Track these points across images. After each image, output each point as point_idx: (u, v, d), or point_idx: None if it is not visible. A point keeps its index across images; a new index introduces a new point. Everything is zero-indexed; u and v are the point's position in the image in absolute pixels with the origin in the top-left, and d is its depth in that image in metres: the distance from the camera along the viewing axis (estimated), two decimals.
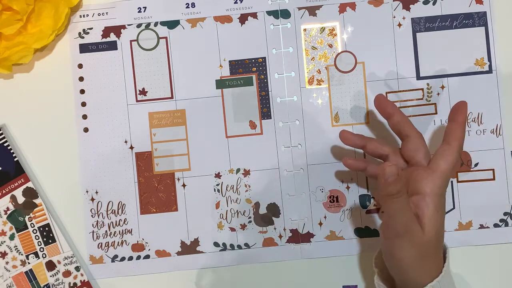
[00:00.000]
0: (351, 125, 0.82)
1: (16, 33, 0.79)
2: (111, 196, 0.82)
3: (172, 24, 0.83)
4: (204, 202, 0.82)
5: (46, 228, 0.81)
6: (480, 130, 0.82)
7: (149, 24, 0.83)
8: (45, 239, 0.80)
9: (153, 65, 0.83)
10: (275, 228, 0.82)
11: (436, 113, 0.82)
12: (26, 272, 0.80)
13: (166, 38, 0.83)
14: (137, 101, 0.82)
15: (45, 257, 0.80)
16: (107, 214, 0.81)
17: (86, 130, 0.82)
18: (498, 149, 0.82)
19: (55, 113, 0.83)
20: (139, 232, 0.81)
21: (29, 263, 0.80)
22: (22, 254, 0.80)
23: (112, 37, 0.82)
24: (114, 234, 0.81)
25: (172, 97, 0.82)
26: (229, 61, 0.82)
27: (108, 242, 0.81)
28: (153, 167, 0.82)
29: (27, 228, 0.81)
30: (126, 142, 0.82)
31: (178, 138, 0.82)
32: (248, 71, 0.82)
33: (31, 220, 0.81)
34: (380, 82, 0.82)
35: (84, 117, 0.82)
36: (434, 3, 0.82)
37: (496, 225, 0.82)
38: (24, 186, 0.80)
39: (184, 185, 0.82)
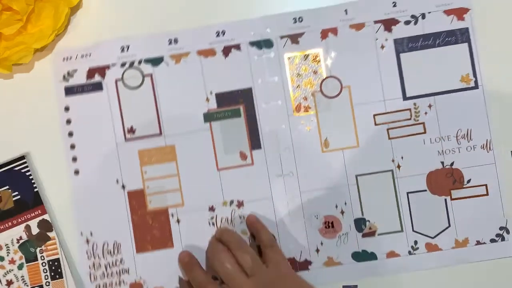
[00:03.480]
0: (341, 150, 0.82)
1: (16, 33, 0.79)
2: (106, 237, 0.81)
3: (156, 61, 0.83)
4: (200, 236, 0.82)
5: (56, 263, 0.80)
6: (470, 147, 0.82)
7: (133, 62, 0.83)
8: (52, 274, 0.80)
9: (140, 103, 0.82)
10: None
11: (425, 132, 0.81)
12: None
13: (151, 75, 0.82)
14: (126, 139, 0.82)
15: None
16: (103, 255, 0.81)
17: (76, 172, 0.82)
18: (490, 164, 0.82)
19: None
20: (136, 271, 0.81)
21: None
22: (27, 286, 0.80)
23: (97, 77, 0.82)
24: (111, 275, 0.81)
25: (161, 134, 0.82)
26: (216, 94, 0.82)
27: (106, 283, 0.81)
28: (146, 205, 0.81)
29: (36, 260, 0.80)
30: (117, 181, 0.82)
31: (169, 174, 0.82)
32: (235, 103, 0.82)
33: (42, 253, 0.80)
34: (367, 105, 0.82)
35: (74, 159, 0.82)
36: (415, 23, 0.82)
37: (492, 240, 0.82)
38: (40, 218, 0.80)
39: (178, 221, 0.81)
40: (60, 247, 0.81)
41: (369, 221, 0.82)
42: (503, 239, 0.82)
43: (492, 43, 0.83)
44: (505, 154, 0.83)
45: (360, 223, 0.82)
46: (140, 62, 0.83)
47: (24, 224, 0.81)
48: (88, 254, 0.81)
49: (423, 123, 0.82)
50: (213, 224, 0.82)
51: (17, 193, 0.81)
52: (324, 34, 0.83)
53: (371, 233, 0.82)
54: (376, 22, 0.83)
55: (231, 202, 0.82)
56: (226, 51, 0.83)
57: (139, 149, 0.82)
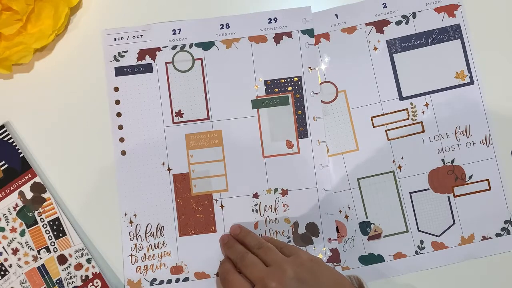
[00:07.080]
0: (341, 154, 0.84)
1: (16, 33, 0.80)
2: (150, 219, 0.83)
3: (207, 45, 0.86)
4: (243, 223, 0.84)
5: (56, 222, 0.82)
6: (470, 142, 0.83)
7: (184, 45, 0.85)
8: (55, 233, 0.82)
9: (189, 87, 0.85)
10: (314, 248, 0.83)
11: (423, 131, 0.83)
12: (38, 268, 0.81)
13: (201, 59, 0.85)
14: (173, 123, 0.85)
15: (56, 251, 0.82)
16: (146, 237, 0.84)
17: (123, 153, 0.84)
18: (490, 159, 0.83)
19: (56, 113, 0.85)
20: (177, 255, 0.83)
21: (41, 258, 0.82)
22: (33, 250, 0.82)
23: (148, 59, 0.85)
24: (152, 257, 0.82)
25: (208, 118, 0.84)
26: (265, 81, 0.85)
27: (146, 265, 0.82)
28: (191, 189, 0.84)
29: (37, 223, 0.82)
30: (163, 164, 0.85)
31: (215, 159, 0.84)
32: (284, 90, 0.85)
33: (41, 215, 0.82)
34: (364, 108, 0.84)
35: (121, 140, 0.85)
36: (407, 23, 0.85)
37: (498, 235, 0.82)
38: (31, 182, 0.82)
39: (222, 206, 0.84)
40: (57, 205, 0.82)
41: (373, 223, 0.83)
42: (508, 232, 0.82)
43: (484, 38, 0.84)
44: (505, 147, 0.83)
45: (365, 226, 0.84)
46: (191, 45, 0.86)
47: (17, 191, 0.81)
48: (131, 236, 0.83)
49: (421, 122, 0.83)
50: (256, 211, 0.84)
51: (4, 162, 0.82)
52: (317, 39, 0.86)
53: (377, 236, 0.83)
54: (367, 24, 0.86)
55: (276, 189, 0.84)
56: (277, 38, 0.86)
57: (186, 133, 0.84)
